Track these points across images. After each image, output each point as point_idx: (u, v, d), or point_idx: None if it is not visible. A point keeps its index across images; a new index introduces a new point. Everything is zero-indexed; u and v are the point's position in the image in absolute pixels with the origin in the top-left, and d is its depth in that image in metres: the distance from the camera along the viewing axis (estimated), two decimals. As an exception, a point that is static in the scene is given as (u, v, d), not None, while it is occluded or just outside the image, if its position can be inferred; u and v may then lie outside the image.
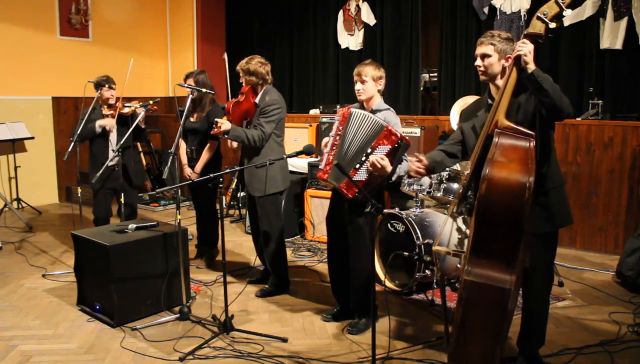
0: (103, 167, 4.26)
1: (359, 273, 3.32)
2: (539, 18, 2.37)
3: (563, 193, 2.66)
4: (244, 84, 3.85)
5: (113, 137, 4.50)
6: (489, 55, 2.63)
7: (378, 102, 3.34)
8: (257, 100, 3.82)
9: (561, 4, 2.33)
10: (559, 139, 5.02)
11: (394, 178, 3.15)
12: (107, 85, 4.50)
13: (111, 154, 4.42)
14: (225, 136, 3.65)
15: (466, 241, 2.78)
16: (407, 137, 3.10)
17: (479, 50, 2.66)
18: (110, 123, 4.43)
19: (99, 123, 4.42)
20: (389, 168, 3.00)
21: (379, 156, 3.00)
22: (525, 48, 2.37)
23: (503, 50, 2.61)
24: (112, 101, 4.56)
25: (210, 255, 4.71)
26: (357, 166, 3.11)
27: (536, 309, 2.74)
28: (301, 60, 7.66)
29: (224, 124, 3.63)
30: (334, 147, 3.22)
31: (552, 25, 2.36)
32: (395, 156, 3.04)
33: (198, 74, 4.35)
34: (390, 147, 3.03)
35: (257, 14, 8.05)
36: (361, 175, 3.11)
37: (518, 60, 2.40)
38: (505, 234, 2.27)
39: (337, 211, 3.40)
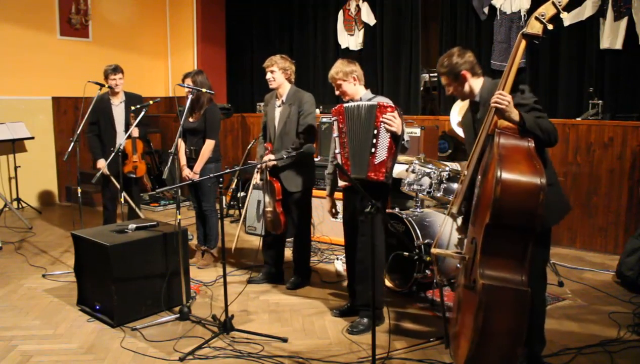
0: (102, 168, 4.28)
1: (362, 271, 3.36)
2: (537, 19, 2.38)
3: (552, 192, 2.64)
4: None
5: (120, 126, 4.79)
6: (448, 84, 2.75)
7: (364, 93, 3.44)
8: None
9: (558, 6, 2.34)
10: (559, 139, 5.01)
11: (406, 137, 3.26)
12: (107, 86, 4.70)
13: (119, 140, 4.72)
14: None
15: (465, 241, 2.77)
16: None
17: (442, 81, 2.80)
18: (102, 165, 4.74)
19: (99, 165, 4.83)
20: (399, 122, 3.15)
21: (389, 118, 3.14)
22: (504, 101, 2.39)
23: (452, 71, 2.70)
24: (118, 89, 4.79)
25: (210, 255, 4.71)
26: (373, 149, 3.19)
27: (533, 310, 2.72)
28: (301, 60, 7.64)
29: None
30: (345, 146, 3.28)
31: (550, 26, 2.36)
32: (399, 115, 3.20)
33: (196, 74, 4.36)
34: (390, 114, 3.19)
35: (257, 14, 8.05)
36: (381, 155, 3.18)
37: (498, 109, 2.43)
38: (519, 235, 2.27)
39: (352, 211, 3.43)
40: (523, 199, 2.22)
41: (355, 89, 3.42)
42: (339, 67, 3.39)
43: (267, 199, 4.03)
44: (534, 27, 2.39)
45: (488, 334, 2.24)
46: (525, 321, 2.26)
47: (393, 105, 3.22)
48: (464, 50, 2.74)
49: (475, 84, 2.72)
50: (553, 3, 2.35)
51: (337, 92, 3.47)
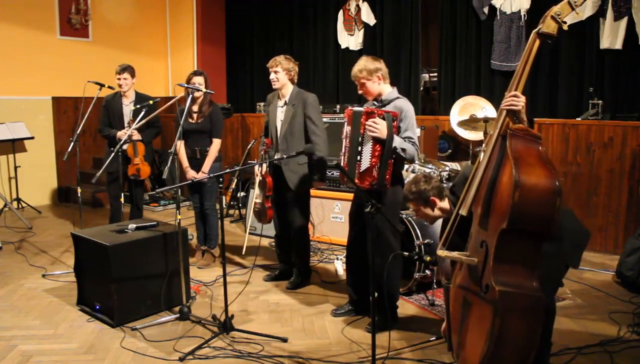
0: (103, 167, 4.27)
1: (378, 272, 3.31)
2: (552, 18, 2.34)
3: (564, 243, 2.57)
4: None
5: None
6: (417, 209, 2.93)
7: (388, 92, 3.33)
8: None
9: (573, 5, 2.30)
10: (559, 139, 5.02)
11: (395, 144, 3.11)
12: (107, 86, 4.65)
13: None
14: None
15: (470, 243, 2.74)
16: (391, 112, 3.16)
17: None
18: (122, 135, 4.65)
19: (119, 134, 4.69)
20: (383, 126, 3.07)
21: (370, 124, 3.08)
22: (519, 103, 2.33)
23: (422, 197, 2.85)
24: (123, 89, 4.80)
25: (210, 255, 4.72)
26: (358, 157, 3.16)
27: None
28: (301, 60, 7.57)
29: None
30: (347, 150, 3.26)
31: (565, 26, 2.33)
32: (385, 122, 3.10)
33: (202, 73, 4.42)
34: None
35: (257, 14, 8.05)
36: (364, 163, 3.15)
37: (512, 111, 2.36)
38: (533, 240, 2.25)
39: (358, 205, 3.42)
40: (541, 203, 2.19)
41: (379, 88, 3.30)
42: (362, 65, 3.24)
43: (258, 191, 4.22)
44: (550, 27, 2.35)
45: (504, 341, 2.22)
46: (540, 326, 2.25)
47: (376, 111, 3.12)
48: (429, 176, 2.88)
49: (445, 205, 2.85)
50: (569, 3, 2.30)
51: (359, 91, 3.36)
